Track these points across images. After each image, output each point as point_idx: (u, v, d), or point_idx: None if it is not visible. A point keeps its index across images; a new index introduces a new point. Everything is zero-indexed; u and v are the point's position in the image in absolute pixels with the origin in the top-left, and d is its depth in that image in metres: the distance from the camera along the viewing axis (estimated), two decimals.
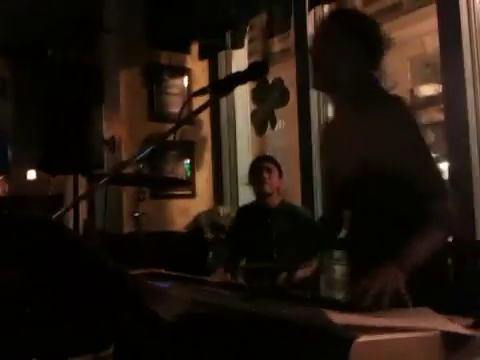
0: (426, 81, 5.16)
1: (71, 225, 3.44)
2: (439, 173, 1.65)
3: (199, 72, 4.89)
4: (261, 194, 3.34)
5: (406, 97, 5.15)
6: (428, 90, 5.10)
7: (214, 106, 4.69)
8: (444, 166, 2.91)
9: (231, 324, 1.01)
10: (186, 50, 4.84)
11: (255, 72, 1.53)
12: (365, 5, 4.92)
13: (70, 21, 4.77)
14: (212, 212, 4.64)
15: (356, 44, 1.67)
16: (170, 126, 4.43)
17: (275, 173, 3.33)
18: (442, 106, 3.52)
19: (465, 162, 2.85)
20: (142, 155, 1.38)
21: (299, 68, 3.89)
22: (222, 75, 4.80)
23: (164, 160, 4.58)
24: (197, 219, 4.67)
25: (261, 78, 2.57)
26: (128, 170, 2.65)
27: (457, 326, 0.99)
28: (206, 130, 4.93)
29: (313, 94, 3.84)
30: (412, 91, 5.33)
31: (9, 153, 6.09)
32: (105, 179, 1.29)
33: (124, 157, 4.38)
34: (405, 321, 0.95)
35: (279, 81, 4.14)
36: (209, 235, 4.43)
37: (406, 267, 1.43)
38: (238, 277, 3.24)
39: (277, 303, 1.23)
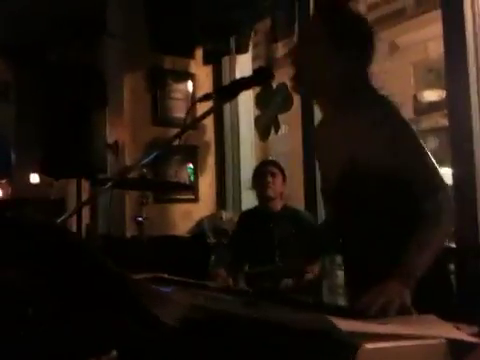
0: (429, 86, 5.17)
1: (74, 229, 3.44)
2: (435, 168, 1.55)
3: (203, 77, 4.90)
4: (264, 198, 3.33)
5: (408, 102, 5.16)
6: (431, 95, 5.11)
7: (218, 111, 4.69)
8: (448, 171, 2.90)
9: (233, 329, 1.00)
10: (190, 55, 4.84)
11: (260, 78, 1.53)
12: (369, 10, 4.94)
13: (73, 25, 4.78)
14: (215, 217, 4.64)
15: (338, 43, 1.62)
16: (174, 131, 4.48)
17: (279, 178, 3.33)
18: (446, 111, 3.52)
19: (469, 168, 2.84)
20: (147, 160, 1.38)
21: None
22: (226, 80, 4.80)
23: (167, 164, 4.58)
24: (200, 223, 4.67)
25: (265, 83, 2.57)
26: (132, 174, 2.65)
27: (463, 334, 0.98)
28: (209, 135, 4.93)
29: None
30: (415, 96, 5.34)
31: (12, 156, 6.10)
32: (110, 183, 1.29)
33: (127, 161, 4.39)
34: (411, 328, 0.95)
35: (283, 86, 4.14)
36: (211, 239, 4.42)
37: (410, 279, 1.39)
38: (240, 282, 3.24)
39: (280, 308, 1.23)
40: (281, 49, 4.42)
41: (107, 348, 0.99)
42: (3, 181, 6.63)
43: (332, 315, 0.99)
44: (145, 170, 2.76)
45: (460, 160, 2.90)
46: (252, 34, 4.47)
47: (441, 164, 1.64)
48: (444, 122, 3.73)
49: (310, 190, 3.88)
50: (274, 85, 4.27)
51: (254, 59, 4.76)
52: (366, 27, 1.69)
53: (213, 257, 4.19)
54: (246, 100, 4.63)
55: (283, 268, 2.86)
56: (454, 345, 0.93)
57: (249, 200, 4.30)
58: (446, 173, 2.69)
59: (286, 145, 5.27)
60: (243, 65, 4.76)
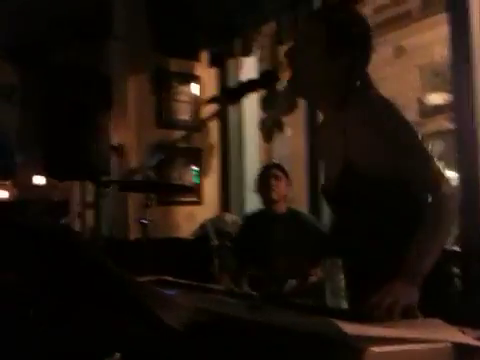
0: (435, 89, 5.15)
1: (77, 231, 3.45)
2: (435, 163, 1.51)
3: (208, 79, 4.90)
4: (268, 201, 3.33)
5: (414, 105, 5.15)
6: (437, 99, 5.09)
7: (222, 113, 4.69)
8: (453, 175, 2.89)
9: (237, 333, 1.00)
10: (195, 57, 4.84)
11: (266, 80, 1.53)
12: (374, 13, 4.93)
13: (78, 27, 4.79)
14: (218, 219, 4.63)
15: (335, 44, 1.59)
16: (178, 133, 4.48)
17: (282, 181, 3.33)
18: (451, 114, 3.51)
19: (474, 171, 2.84)
20: (152, 162, 1.38)
21: None
22: (231, 82, 4.80)
23: (171, 167, 4.57)
24: (203, 226, 4.66)
25: (271, 86, 2.57)
26: (137, 176, 2.66)
27: (468, 338, 0.97)
28: (214, 137, 4.93)
29: None
30: (420, 99, 5.32)
31: (17, 158, 6.11)
32: (115, 185, 1.28)
33: (132, 164, 4.39)
34: (416, 332, 0.94)
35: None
36: (215, 242, 4.42)
37: (416, 277, 1.38)
38: (244, 285, 3.23)
39: (284, 312, 1.22)
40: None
41: (111, 350, 0.98)
42: (7, 182, 6.65)
43: (337, 318, 0.98)
44: (150, 172, 2.76)
45: (465, 163, 2.89)
46: (257, 36, 4.47)
47: (446, 167, 1.61)
48: (449, 125, 3.72)
49: (314, 193, 3.88)
50: (279, 87, 4.26)
51: (259, 61, 4.76)
52: (363, 27, 1.65)
53: (216, 260, 4.19)
54: (250, 102, 4.62)
55: (286, 269, 2.86)
56: (460, 349, 0.93)
57: (253, 203, 4.30)
58: (451, 176, 2.67)
59: (289, 148, 5.26)
60: (248, 67, 4.76)
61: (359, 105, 1.59)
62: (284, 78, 1.68)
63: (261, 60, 4.73)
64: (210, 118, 1.46)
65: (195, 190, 4.72)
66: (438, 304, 1.40)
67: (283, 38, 4.11)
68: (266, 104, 4.43)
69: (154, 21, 4.64)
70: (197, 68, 4.88)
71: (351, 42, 1.60)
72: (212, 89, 4.80)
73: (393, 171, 1.53)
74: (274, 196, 3.30)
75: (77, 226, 3.79)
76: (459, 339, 0.95)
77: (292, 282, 2.84)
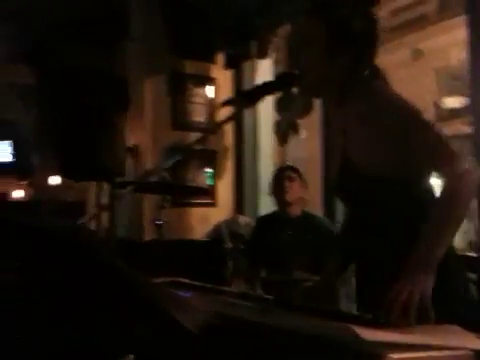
0: (451, 93, 5.12)
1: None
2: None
3: (223, 81, 4.90)
4: (282, 203, 3.32)
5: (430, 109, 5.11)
6: (453, 102, 5.06)
7: (238, 116, 4.69)
8: None
9: (249, 336, 0.99)
10: (211, 59, 4.85)
11: (283, 83, 1.51)
12: (391, 16, 4.91)
13: (95, 29, 4.82)
14: (232, 221, 4.64)
15: (337, 41, 1.55)
16: (193, 135, 4.49)
17: (297, 183, 3.31)
18: (468, 118, 3.48)
19: None
20: (169, 163, 1.38)
21: None
22: (247, 85, 4.81)
23: (186, 168, 4.59)
24: (217, 228, 4.66)
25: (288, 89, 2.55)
26: (152, 178, 2.66)
27: None
28: (228, 139, 4.93)
29: None
30: (437, 103, 5.29)
31: (34, 158, 6.16)
32: (130, 187, 1.29)
33: (147, 165, 4.41)
34: (435, 338, 0.92)
35: None
36: (228, 244, 4.42)
37: (432, 265, 1.31)
38: (257, 288, 3.22)
39: (299, 317, 1.21)
40: None
41: (124, 351, 0.98)
42: (24, 183, 6.71)
43: (352, 323, 0.98)
44: (166, 174, 2.76)
45: None
46: (273, 39, 4.47)
47: None
48: (466, 129, 3.69)
49: (329, 196, 3.87)
50: (294, 90, 4.25)
51: (275, 64, 4.75)
52: (366, 22, 1.60)
53: (230, 262, 4.19)
54: (265, 104, 4.62)
55: (300, 275, 2.83)
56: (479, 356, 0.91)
57: (267, 205, 4.29)
58: None
59: (304, 150, 5.25)
60: (264, 70, 4.76)
61: (357, 100, 1.55)
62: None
63: (277, 62, 4.73)
64: (225, 120, 1.45)
65: (209, 192, 4.72)
66: (454, 310, 1.38)
67: None
68: (281, 106, 4.42)
69: (170, 23, 4.66)
70: (213, 70, 4.89)
71: (353, 41, 1.56)
72: (227, 91, 4.80)
73: (393, 165, 1.48)
74: (288, 198, 3.27)
75: (92, 227, 3.80)
76: (478, 346, 0.93)
77: (306, 285, 2.82)
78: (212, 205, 4.78)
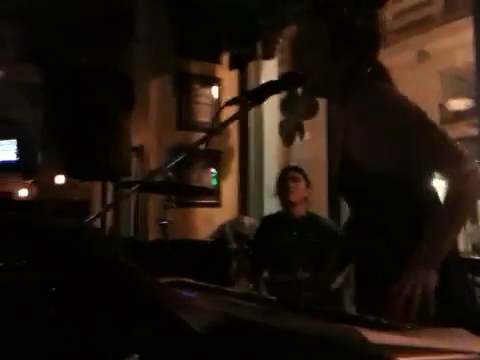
0: (457, 95, 5.11)
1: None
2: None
3: (229, 82, 4.91)
4: (286, 203, 3.32)
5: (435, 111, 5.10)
6: (458, 104, 5.05)
7: (243, 116, 4.69)
8: None
9: (254, 338, 0.99)
10: (216, 60, 4.86)
11: (289, 82, 1.51)
12: (395, 18, 4.91)
13: (101, 29, 4.83)
14: (237, 222, 4.64)
15: (339, 42, 1.55)
16: (198, 135, 4.50)
17: (301, 183, 3.31)
18: (473, 120, 3.48)
19: None
20: (173, 163, 1.38)
21: None
22: (252, 85, 4.81)
23: (191, 169, 4.59)
24: (221, 228, 4.67)
25: (294, 88, 2.55)
26: (157, 178, 2.67)
27: None
28: (233, 140, 4.94)
29: None
30: (442, 105, 5.28)
31: (39, 158, 6.18)
32: (136, 186, 1.30)
33: (152, 165, 4.41)
34: (442, 342, 0.91)
35: None
36: (233, 245, 4.42)
37: (435, 262, 1.32)
38: (261, 288, 3.23)
39: (304, 318, 1.21)
40: None
41: (128, 351, 0.98)
42: (29, 182, 6.73)
43: (357, 325, 0.97)
44: (171, 174, 2.77)
45: None
46: (279, 39, 4.47)
47: None
48: (471, 132, 3.69)
49: (334, 197, 3.86)
50: (299, 91, 4.26)
51: (280, 64, 4.76)
52: (368, 21, 1.60)
53: (234, 262, 4.19)
54: (271, 105, 4.63)
55: (308, 281, 2.83)
56: None
57: (271, 206, 4.29)
58: None
59: (309, 151, 5.25)
60: (269, 70, 4.77)
61: (359, 99, 1.55)
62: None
63: (282, 63, 4.73)
64: (229, 120, 1.45)
65: (214, 192, 4.73)
66: (453, 312, 1.38)
67: None
68: (286, 107, 4.42)
69: (176, 23, 4.66)
70: (218, 71, 4.89)
71: (355, 40, 1.56)
72: (233, 92, 4.81)
73: (394, 165, 1.48)
74: (292, 198, 3.27)
75: (97, 226, 3.81)
76: None
77: (310, 287, 2.82)
78: (217, 205, 4.78)
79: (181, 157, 1.41)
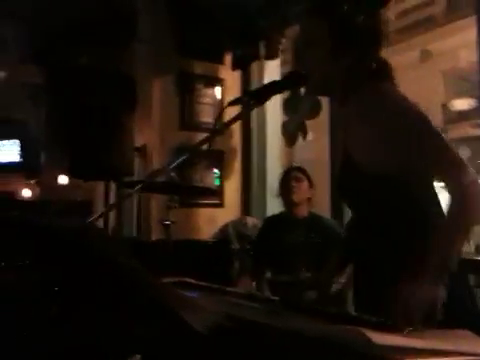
0: (460, 95, 5.10)
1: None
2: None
3: (231, 82, 4.91)
4: (289, 204, 3.31)
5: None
6: (462, 104, 5.04)
7: (245, 116, 4.69)
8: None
9: (257, 339, 0.99)
10: (219, 60, 4.86)
11: (293, 82, 1.51)
12: (398, 18, 4.90)
13: (103, 29, 4.83)
14: (239, 222, 4.64)
15: (339, 41, 1.55)
16: (201, 135, 4.50)
17: (304, 183, 3.30)
18: (476, 120, 3.47)
19: None
20: (176, 163, 1.38)
21: None
22: (255, 85, 4.81)
23: (193, 169, 4.59)
24: (224, 229, 4.67)
25: (297, 88, 2.55)
26: (160, 178, 2.67)
27: None
28: (236, 140, 4.94)
29: None
30: (445, 105, 5.27)
31: (42, 158, 6.19)
32: (138, 186, 1.29)
33: (155, 165, 4.42)
34: (446, 344, 0.91)
35: None
36: (235, 245, 4.42)
37: (441, 274, 1.32)
38: (264, 289, 3.22)
39: (308, 319, 1.20)
40: None
41: (130, 351, 0.98)
42: (32, 182, 6.74)
43: (360, 326, 0.97)
44: (174, 174, 2.77)
45: None
46: (282, 39, 4.46)
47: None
48: (474, 132, 3.68)
49: (336, 197, 3.86)
50: (302, 91, 4.25)
51: (283, 65, 4.76)
52: (369, 21, 1.60)
53: (236, 263, 4.18)
54: (273, 105, 4.62)
55: (310, 280, 2.83)
56: None
57: (274, 206, 4.28)
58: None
59: (311, 152, 5.24)
60: (272, 71, 4.77)
61: (360, 99, 1.55)
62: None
63: (285, 63, 4.73)
64: (232, 121, 1.44)
65: (217, 193, 4.73)
66: (459, 314, 1.38)
67: None
68: (289, 107, 4.42)
69: (178, 24, 4.66)
70: (221, 71, 4.89)
71: (355, 40, 1.56)
72: (236, 92, 4.81)
73: (394, 166, 1.48)
74: (295, 198, 3.27)
75: (99, 226, 3.81)
76: None
77: (313, 287, 2.82)
78: (219, 206, 4.78)
79: (184, 157, 1.41)
